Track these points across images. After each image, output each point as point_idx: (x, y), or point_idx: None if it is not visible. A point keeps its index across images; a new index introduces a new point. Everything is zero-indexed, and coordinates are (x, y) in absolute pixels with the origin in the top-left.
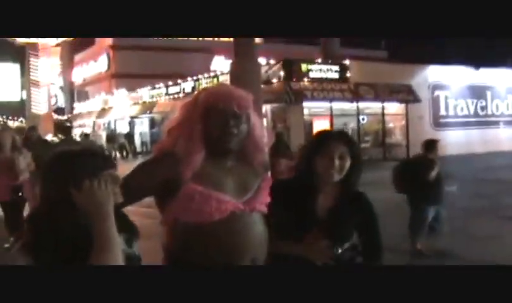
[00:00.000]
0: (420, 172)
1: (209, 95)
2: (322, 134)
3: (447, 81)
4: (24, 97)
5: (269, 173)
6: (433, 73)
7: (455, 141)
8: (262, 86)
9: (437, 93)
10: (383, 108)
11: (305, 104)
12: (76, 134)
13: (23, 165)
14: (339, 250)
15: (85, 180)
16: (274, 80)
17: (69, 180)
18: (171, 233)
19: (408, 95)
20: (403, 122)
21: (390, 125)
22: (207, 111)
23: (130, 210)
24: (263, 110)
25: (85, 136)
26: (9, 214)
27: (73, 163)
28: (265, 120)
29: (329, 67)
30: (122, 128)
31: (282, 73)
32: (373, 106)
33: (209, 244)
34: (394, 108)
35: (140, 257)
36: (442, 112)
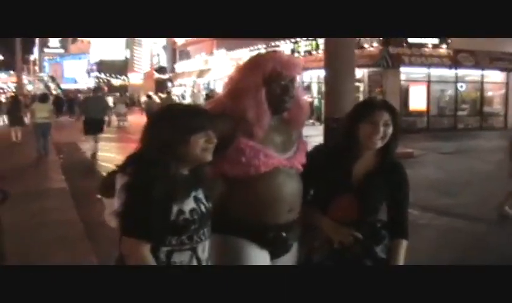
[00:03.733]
0: None
1: (273, 61)
2: (367, 101)
3: None
4: (128, 56)
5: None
6: None
7: None
8: (359, 50)
9: None
10: (482, 76)
11: (402, 69)
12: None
13: None
14: (360, 236)
15: (190, 135)
16: (374, 44)
17: (179, 132)
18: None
19: (509, 63)
20: (503, 91)
21: (489, 93)
22: (270, 77)
23: None
24: (361, 75)
25: (167, 93)
26: None
27: (181, 118)
28: (361, 84)
29: None
30: (222, 88)
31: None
32: (473, 74)
33: (252, 195)
34: (494, 76)
35: (211, 212)
36: None
